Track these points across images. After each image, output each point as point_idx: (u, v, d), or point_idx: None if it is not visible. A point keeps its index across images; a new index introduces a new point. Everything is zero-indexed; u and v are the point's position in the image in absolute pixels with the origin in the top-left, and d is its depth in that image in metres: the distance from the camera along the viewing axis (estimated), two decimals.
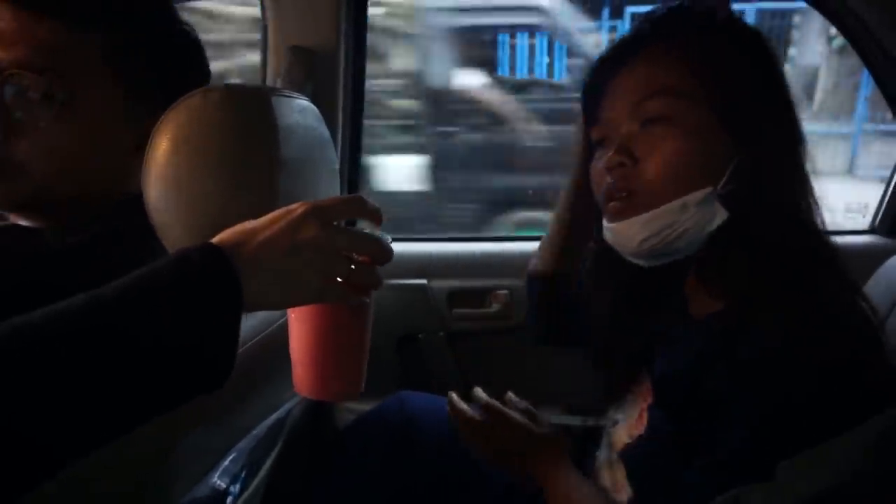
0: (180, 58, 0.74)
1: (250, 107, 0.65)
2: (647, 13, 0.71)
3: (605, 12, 6.64)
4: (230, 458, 0.71)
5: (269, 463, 0.88)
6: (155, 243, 0.63)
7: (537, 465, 0.80)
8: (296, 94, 0.74)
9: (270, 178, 0.65)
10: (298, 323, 0.58)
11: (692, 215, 0.63)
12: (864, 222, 1.33)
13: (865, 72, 1.14)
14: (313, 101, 0.79)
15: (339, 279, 0.52)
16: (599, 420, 0.88)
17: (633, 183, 0.66)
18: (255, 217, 0.62)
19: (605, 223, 0.72)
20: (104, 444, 0.43)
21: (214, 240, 0.50)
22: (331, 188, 0.78)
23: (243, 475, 0.78)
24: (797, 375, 0.56)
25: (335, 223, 0.52)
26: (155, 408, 0.46)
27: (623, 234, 0.68)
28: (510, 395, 0.91)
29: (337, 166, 0.80)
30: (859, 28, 1.10)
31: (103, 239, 0.66)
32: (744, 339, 0.60)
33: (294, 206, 0.51)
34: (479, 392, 0.91)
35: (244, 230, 0.51)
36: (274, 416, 0.85)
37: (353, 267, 0.52)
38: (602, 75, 0.71)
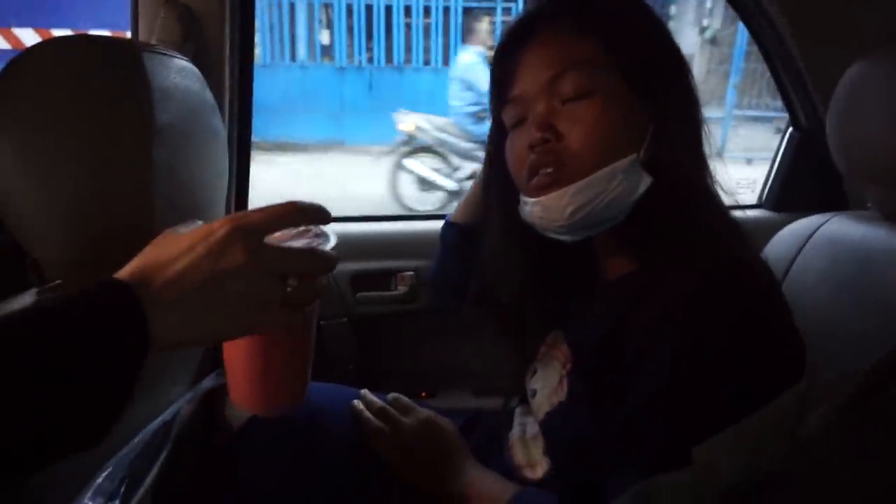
0: None
1: (118, 64, 0.56)
2: None
3: None
4: (104, 473, 0.61)
5: (154, 472, 0.79)
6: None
7: (445, 468, 0.79)
8: (174, 53, 0.65)
9: (144, 148, 0.56)
10: (232, 342, 0.53)
11: (620, 182, 0.64)
12: (752, 198, 1.42)
13: (735, 60, 1.21)
14: (195, 64, 0.70)
15: (273, 305, 0.46)
16: (509, 400, 0.88)
17: (560, 157, 0.65)
18: (129, 193, 0.53)
19: (527, 200, 0.70)
20: None
21: (122, 273, 0.43)
22: (217, 160, 0.70)
23: (122, 490, 0.68)
24: (709, 328, 0.56)
25: (265, 241, 0.45)
26: (27, 465, 0.38)
27: (552, 206, 0.66)
28: (395, 395, 0.89)
29: (224, 134, 0.71)
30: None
31: None
32: (657, 296, 0.61)
33: (216, 225, 0.44)
34: (368, 395, 0.88)
35: (156, 260, 0.43)
36: (159, 420, 0.75)
37: (290, 289, 0.46)
38: (512, 53, 0.70)
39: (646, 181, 0.64)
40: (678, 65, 0.69)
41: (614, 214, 0.65)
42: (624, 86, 0.65)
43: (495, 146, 0.76)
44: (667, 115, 0.65)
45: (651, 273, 0.64)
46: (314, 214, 0.49)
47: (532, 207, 0.69)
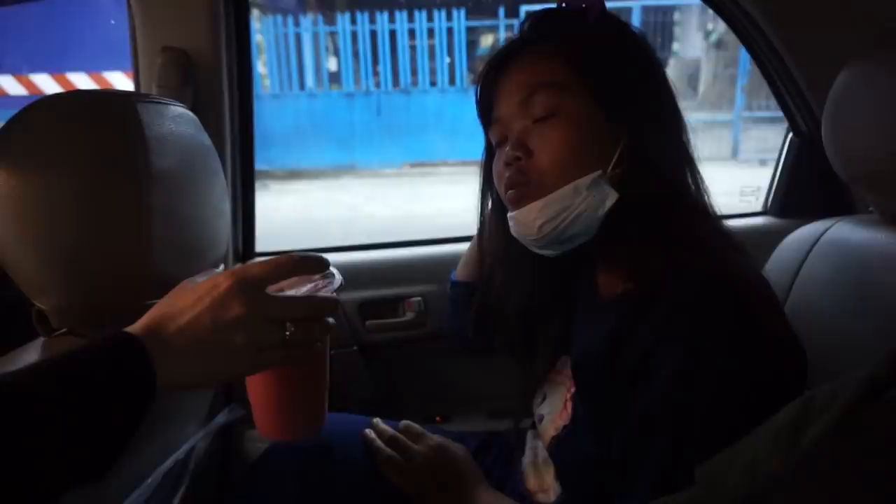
0: None
1: (113, 117, 0.58)
2: (526, 15, 0.75)
3: (501, 11, 6.84)
4: None
5: None
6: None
7: (458, 494, 0.79)
8: (169, 101, 0.67)
9: (140, 195, 0.58)
10: (250, 379, 0.59)
11: (584, 198, 0.65)
12: (757, 204, 1.40)
13: (741, 62, 1.20)
14: (195, 109, 0.72)
15: (272, 348, 0.51)
16: (521, 422, 0.88)
17: (529, 173, 0.68)
18: (126, 239, 0.55)
19: (508, 215, 0.73)
20: None
21: (137, 323, 0.49)
22: (216, 200, 0.71)
23: None
24: (705, 345, 0.56)
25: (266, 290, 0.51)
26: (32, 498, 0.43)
27: (523, 220, 0.69)
28: (407, 422, 0.91)
29: (223, 174, 0.73)
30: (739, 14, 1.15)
31: None
32: (652, 314, 0.61)
33: (220, 278, 0.50)
34: (379, 423, 0.90)
35: (168, 312, 0.49)
36: (172, 459, 0.76)
37: (288, 333, 0.51)
38: (492, 78, 0.74)
39: (612, 197, 0.65)
40: (655, 84, 0.70)
41: (584, 228, 0.67)
42: (593, 105, 0.67)
43: (488, 163, 0.79)
44: (641, 132, 0.66)
45: (645, 291, 0.64)
46: (311, 265, 0.54)
47: (510, 222, 0.72)
